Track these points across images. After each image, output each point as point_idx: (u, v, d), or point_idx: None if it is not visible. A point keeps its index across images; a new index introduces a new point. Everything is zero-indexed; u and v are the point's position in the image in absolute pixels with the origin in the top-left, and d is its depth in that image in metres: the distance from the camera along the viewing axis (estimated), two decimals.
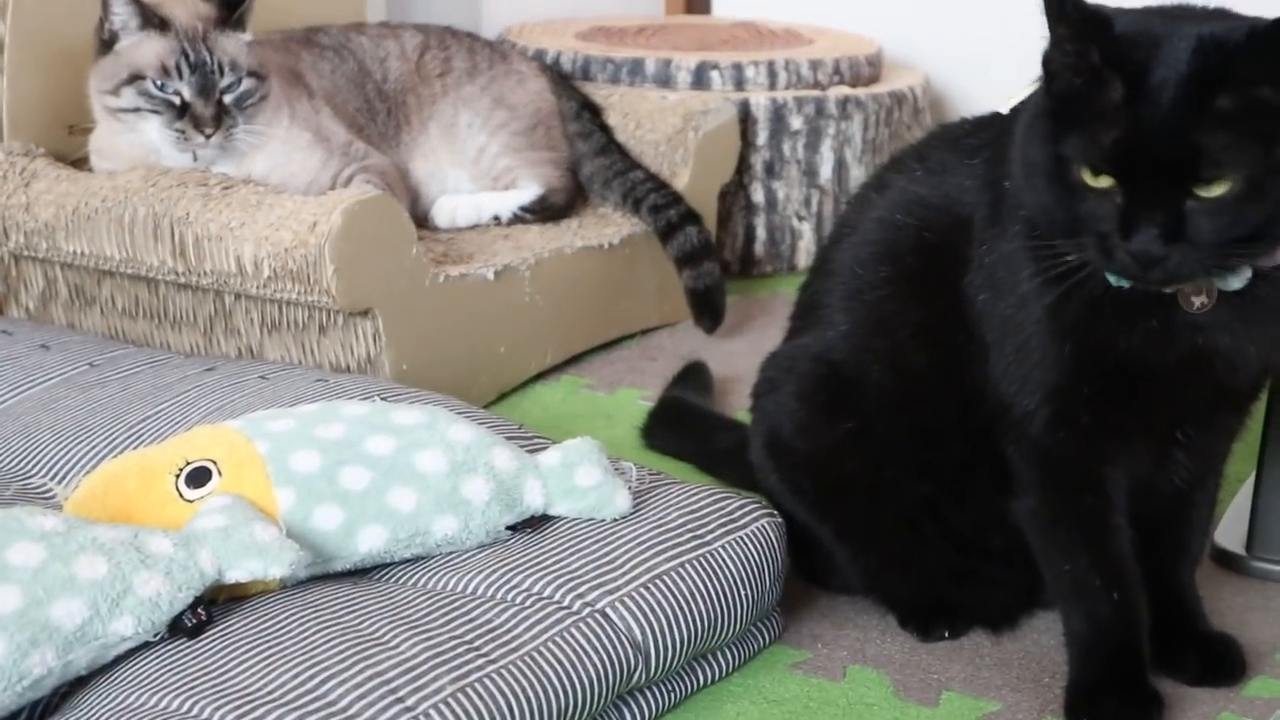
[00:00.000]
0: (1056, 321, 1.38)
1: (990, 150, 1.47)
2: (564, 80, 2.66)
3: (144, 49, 2.11)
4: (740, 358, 2.27)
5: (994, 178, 1.45)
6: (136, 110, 2.11)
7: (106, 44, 2.13)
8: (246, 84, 2.14)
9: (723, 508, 1.54)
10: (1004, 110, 1.45)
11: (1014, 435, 1.45)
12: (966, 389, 1.47)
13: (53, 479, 1.63)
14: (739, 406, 2.01)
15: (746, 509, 1.55)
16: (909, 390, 1.53)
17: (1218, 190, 1.25)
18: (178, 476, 1.43)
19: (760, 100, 2.72)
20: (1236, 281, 1.34)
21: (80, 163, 2.22)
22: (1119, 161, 1.27)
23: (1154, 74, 1.26)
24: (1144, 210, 1.27)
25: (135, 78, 2.10)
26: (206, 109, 2.10)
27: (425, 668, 1.28)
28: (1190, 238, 1.26)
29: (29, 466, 1.66)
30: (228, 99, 2.12)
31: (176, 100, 2.10)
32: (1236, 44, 1.25)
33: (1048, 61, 1.32)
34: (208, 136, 2.10)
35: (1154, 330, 1.35)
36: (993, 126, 1.50)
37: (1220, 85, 1.24)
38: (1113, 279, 1.33)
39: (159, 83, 2.09)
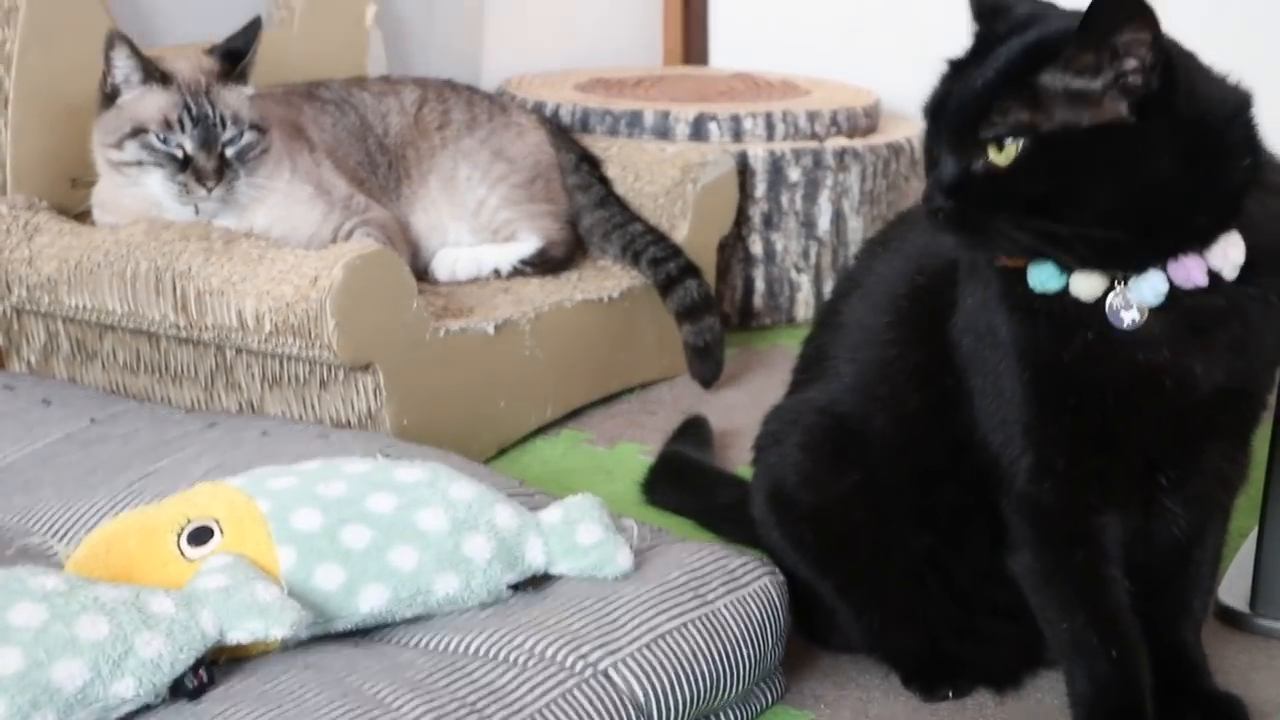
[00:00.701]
0: (1016, 347, 1.40)
1: None
2: (563, 132, 2.67)
3: (146, 102, 2.12)
4: (740, 411, 2.27)
5: None
6: (139, 163, 2.12)
7: (109, 98, 2.14)
8: (248, 137, 2.15)
9: (724, 566, 1.54)
10: None
11: (1005, 488, 1.45)
12: (958, 432, 1.48)
13: (54, 537, 1.62)
14: (739, 461, 2.01)
15: (748, 567, 1.55)
16: (907, 435, 1.54)
17: (1005, 157, 1.29)
18: (179, 535, 1.42)
19: (758, 152, 2.74)
20: (1151, 297, 1.34)
21: (83, 216, 2.22)
22: (933, 112, 1.34)
23: (1003, 42, 1.32)
24: (941, 161, 1.32)
25: (138, 131, 2.11)
26: (208, 162, 2.11)
27: None
28: (971, 196, 1.31)
29: (31, 524, 1.66)
30: (229, 152, 2.13)
31: (179, 153, 2.11)
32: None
33: None
34: (209, 190, 2.11)
35: (1091, 343, 1.36)
36: None
37: (1050, 62, 1.28)
38: (1033, 283, 1.35)
39: (161, 136, 2.10)
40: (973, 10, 1.39)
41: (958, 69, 1.35)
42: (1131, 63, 1.27)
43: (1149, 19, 1.26)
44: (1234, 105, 1.34)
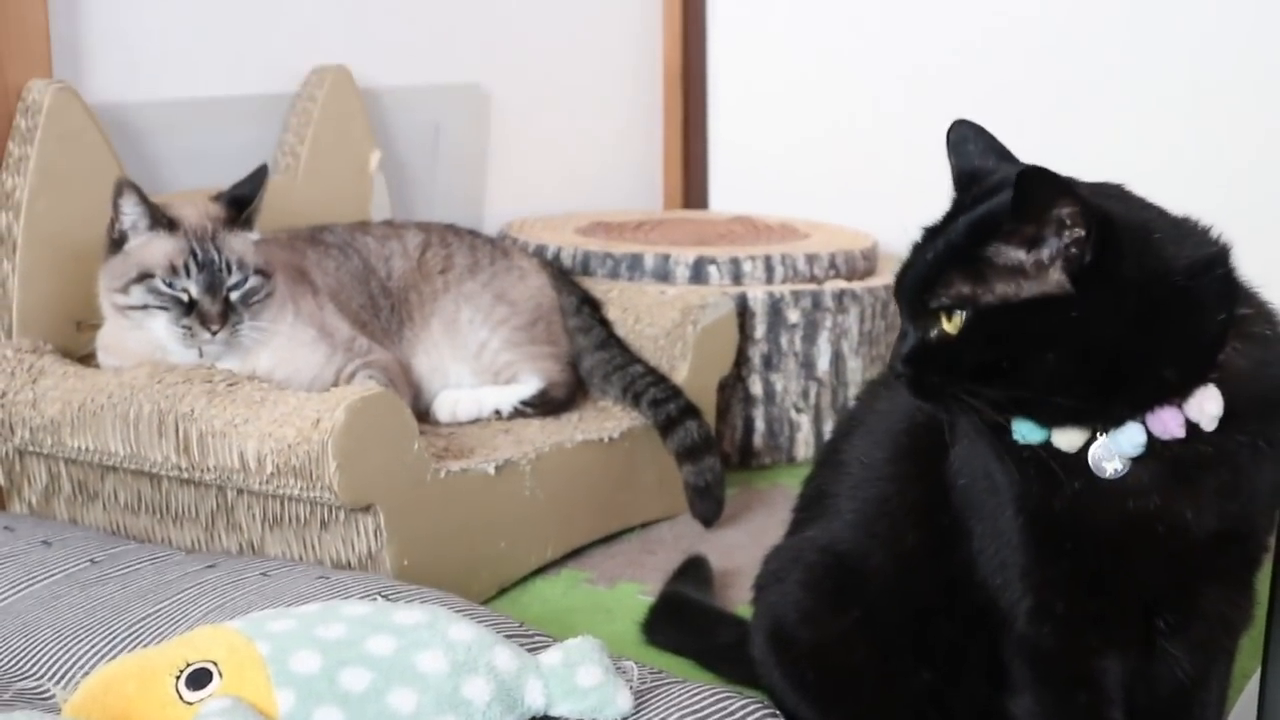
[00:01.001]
0: (1011, 492, 1.40)
1: None
2: (564, 275, 2.71)
3: (153, 248, 2.15)
4: (740, 550, 2.27)
5: None
6: (144, 307, 2.14)
7: (116, 243, 2.17)
8: (253, 281, 2.18)
9: (725, 708, 1.53)
10: None
11: (1004, 629, 1.45)
12: (955, 570, 1.48)
13: (52, 680, 1.62)
14: (739, 600, 2.00)
15: (749, 709, 1.54)
16: (905, 571, 1.54)
17: (953, 327, 1.32)
18: (178, 678, 1.42)
19: (757, 294, 2.77)
20: (1130, 448, 1.34)
21: (88, 359, 2.24)
22: (898, 281, 1.38)
23: (967, 212, 1.35)
24: (903, 331, 1.36)
25: (144, 276, 2.14)
26: (213, 306, 2.14)
27: None
28: (927, 364, 1.34)
29: (29, 666, 1.65)
30: (234, 296, 2.16)
31: (184, 297, 2.13)
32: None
33: None
34: (214, 333, 2.14)
35: (1080, 492, 1.37)
36: None
37: (993, 236, 1.31)
38: (1016, 436, 1.37)
39: (167, 281, 2.13)
40: (953, 178, 1.42)
41: (928, 237, 1.38)
42: (1066, 236, 1.29)
43: (1071, 195, 1.28)
44: (1204, 261, 1.34)
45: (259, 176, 2.25)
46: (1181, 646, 1.45)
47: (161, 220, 2.16)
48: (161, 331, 2.15)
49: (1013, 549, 1.42)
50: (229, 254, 2.16)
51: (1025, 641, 1.44)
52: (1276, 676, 1.70)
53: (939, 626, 1.53)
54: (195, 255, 2.14)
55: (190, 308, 2.14)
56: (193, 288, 2.14)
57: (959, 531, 1.47)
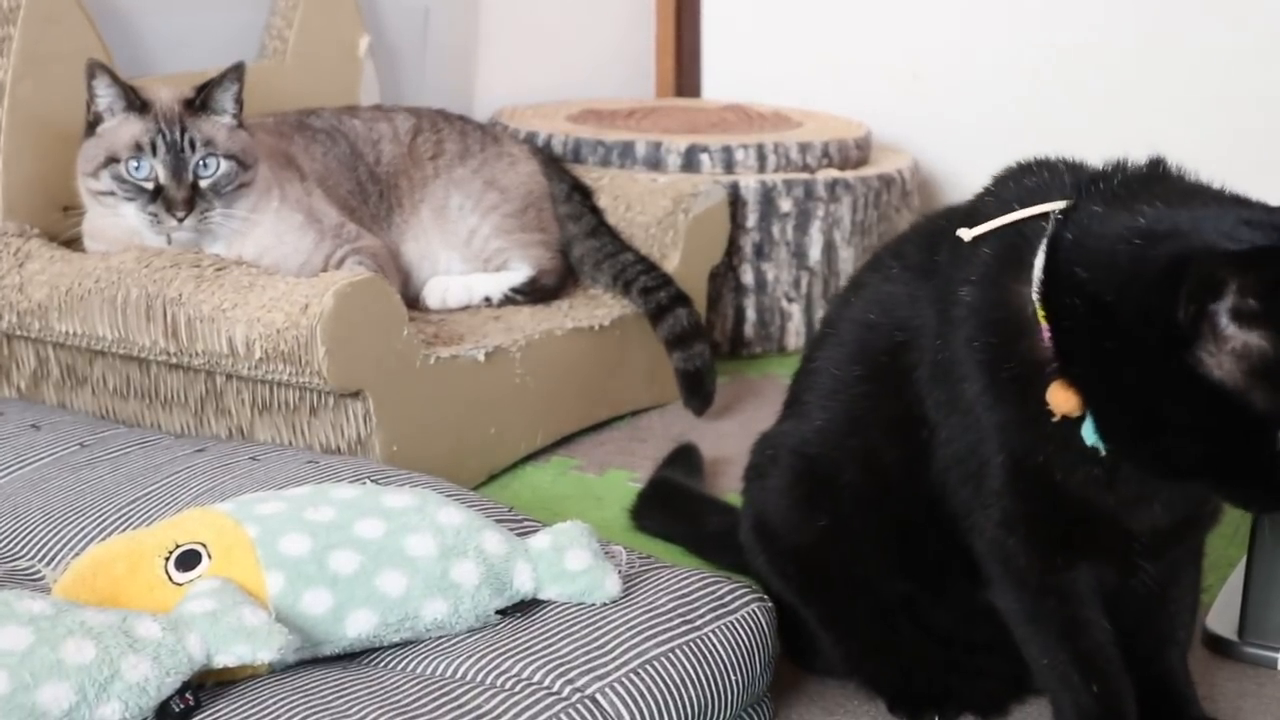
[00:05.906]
0: (1000, 433, 1.40)
1: (950, 262, 1.46)
2: (555, 162, 2.68)
3: (121, 130, 2.12)
4: (730, 439, 2.27)
5: (948, 289, 1.44)
6: (112, 193, 2.11)
7: (92, 126, 2.14)
8: (225, 167, 2.13)
9: (713, 592, 1.54)
10: (965, 238, 1.42)
11: (976, 534, 1.46)
12: (934, 484, 1.48)
13: (42, 561, 1.62)
14: (729, 488, 2.01)
15: (737, 593, 1.55)
16: (882, 488, 1.53)
17: None
18: (167, 560, 1.42)
19: (750, 183, 2.75)
20: None
21: (75, 243, 2.22)
22: None
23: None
24: None
25: (111, 160, 2.11)
26: (179, 191, 2.10)
27: None
28: None
29: (18, 548, 1.66)
30: (204, 183, 2.12)
31: (149, 186, 2.10)
32: None
33: None
34: (180, 219, 2.10)
35: (1096, 476, 1.37)
36: (956, 242, 1.45)
37: None
38: (1088, 437, 1.33)
39: (133, 164, 2.09)
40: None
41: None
42: None
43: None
44: None
45: (234, 72, 2.19)
46: (1153, 562, 1.46)
47: (134, 103, 2.12)
48: (133, 219, 2.12)
49: (990, 476, 1.41)
50: (195, 134, 2.12)
51: (996, 546, 1.45)
52: (1262, 563, 1.72)
53: (923, 538, 1.52)
54: (163, 135, 2.10)
55: (156, 194, 2.10)
56: (159, 169, 2.09)
57: (936, 441, 1.46)
